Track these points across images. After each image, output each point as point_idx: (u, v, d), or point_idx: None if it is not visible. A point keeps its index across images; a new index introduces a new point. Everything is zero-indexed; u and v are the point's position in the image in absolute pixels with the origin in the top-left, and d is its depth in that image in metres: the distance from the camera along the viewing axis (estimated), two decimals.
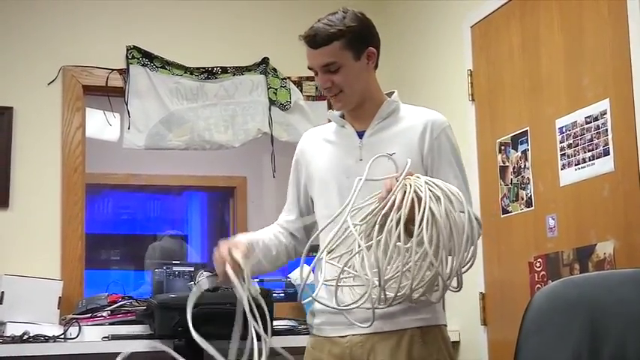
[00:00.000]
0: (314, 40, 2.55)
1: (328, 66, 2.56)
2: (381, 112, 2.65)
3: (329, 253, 2.30)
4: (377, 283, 2.20)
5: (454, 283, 2.31)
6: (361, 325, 2.36)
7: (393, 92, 2.73)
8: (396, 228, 2.19)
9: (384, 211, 2.23)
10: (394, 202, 2.22)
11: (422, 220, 2.17)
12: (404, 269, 2.20)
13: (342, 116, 2.72)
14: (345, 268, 2.27)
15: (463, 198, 2.28)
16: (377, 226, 2.24)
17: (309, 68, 2.63)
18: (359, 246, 2.22)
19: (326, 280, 2.31)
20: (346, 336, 2.56)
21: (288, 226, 2.82)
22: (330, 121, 2.79)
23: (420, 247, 2.18)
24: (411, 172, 2.29)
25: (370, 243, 2.22)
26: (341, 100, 2.62)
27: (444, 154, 2.60)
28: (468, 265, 2.29)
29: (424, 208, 2.18)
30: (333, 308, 2.36)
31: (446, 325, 2.64)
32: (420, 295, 2.27)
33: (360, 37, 2.58)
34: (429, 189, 2.23)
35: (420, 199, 2.20)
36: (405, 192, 2.22)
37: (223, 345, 3.37)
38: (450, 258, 2.22)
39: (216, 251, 2.53)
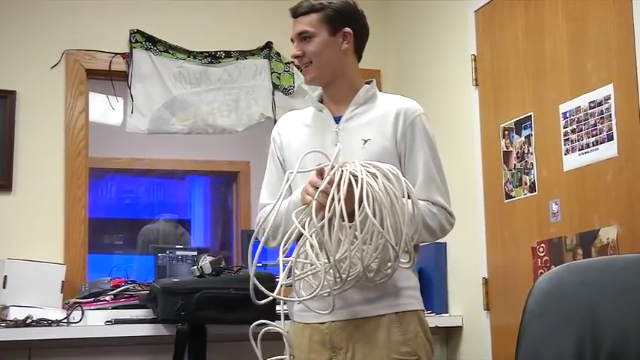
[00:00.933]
0: (296, 10, 2.73)
1: (302, 34, 2.69)
2: (357, 99, 2.73)
3: (283, 252, 2.40)
4: (328, 265, 2.29)
5: (405, 258, 2.43)
6: (323, 312, 2.45)
7: (372, 80, 2.80)
8: (338, 207, 2.29)
9: (321, 196, 2.33)
10: (332, 183, 2.33)
11: (361, 195, 2.28)
12: (352, 248, 2.29)
13: (321, 101, 2.79)
14: (299, 260, 2.37)
15: (402, 178, 2.39)
16: (325, 216, 2.33)
17: (291, 40, 2.75)
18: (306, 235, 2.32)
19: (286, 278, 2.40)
20: (326, 322, 2.60)
21: None
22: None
23: (364, 224, 2.27)
24: (346, 161, 2.39)
25: (314, 230, 2.31)
26: (310, 72, 2.72)
27: (417, 140, 2.66)
28: (414, 240, 2.42)
29: (361, 184, 2.29)
30: (295, 301, 2.50)
31: (423, 310, 2.70)
32: (374, 273, 2.38)
33: (338, 16, 2.70)
34: (366, 170, 2.34)
35: (357, 180, 2.31)
36: (343, 173, 2.34)
37: (226, 330, 3.39)
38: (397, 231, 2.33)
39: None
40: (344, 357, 2.59)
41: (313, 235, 2.32)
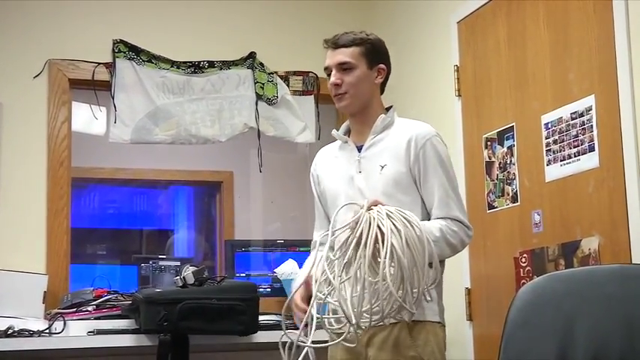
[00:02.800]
0: (337, 41, 2.90)
1: (343, 65, 2.87)
2: (375, 128, 2.92)
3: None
4: (353, 320, 2.43)
5: (428, 297, 2.60)
6: (349, 344, 2.57)
7: (391, 107, 2.99)
8: (364, 264, 2.43)
9: (352, 245, 2.45)
10: (360, 236, 2.45)
11: (385, 255, 2.41)
12: (373, 307, 2.44)
13: (347, 134, 3.00)
14: (329, 301, 2.50)
15: (418, 222, 2.53)
16: (348, 258, 2.46)
17: (325, 68, 2.93)
18: (338, 278, 2.46)
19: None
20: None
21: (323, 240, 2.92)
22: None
23: (385, 281, 2.41)
24: (376, 201, 2.54)
25: (346, 278, 2.46)
26: (344, 100, 2.90)
27: (429, 163, 2.84)
28: (433, 284, 2.58)
29: (387, 245, 2.41)
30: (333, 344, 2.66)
31: (440, 324, 2.86)
32: (395, 313, 2.52)
33: (376, 52, 2.93)
34: (391, 220, 2.47)
35: (382, 234, 2.43)
36: (370, 225, 2.46)
37: (209, 340, 3.38)
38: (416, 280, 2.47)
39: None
40: None
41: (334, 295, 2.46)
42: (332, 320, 2.55)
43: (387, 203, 2.59)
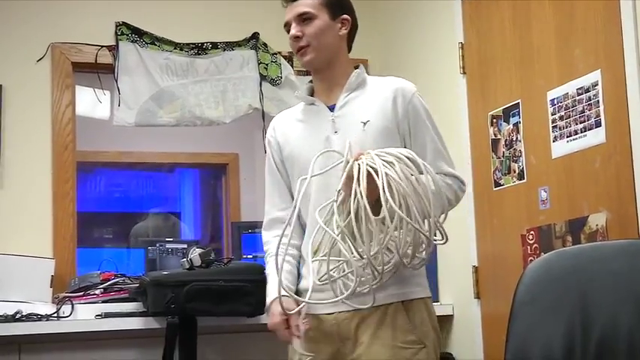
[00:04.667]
0: None
1: (303, 16, 2.67)
2: (349, 84, 2.72)
3: (314, 254, 2.40)
4: (364, 261, 2.28)
5: (438, 236, 2.44)
6: (363, 307, 2.46)
7: (359, 65, 2.79)
8: (362, 202, 2.27)
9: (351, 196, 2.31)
10: (354, 179, 2.31)
11: (384, 187, 2.26)
12: (384, 242, 2.29)
13: (311, 95, 2.79)
14: (333, 258, 2.36)
15: (416, 157, 2.39)
16: (351, 212, 2.32)
17: (285, 24, 2.73)
18: (337, 236, 2.31)
19: (319, 279, 2.41)
20: (332, 313, 2.61)
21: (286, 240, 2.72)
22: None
23: (392, 213, 2.27)
24: (360, 153, 2.38)
25: (344, 229, 2.31)
26: (307, 54, 2.70)
27: (419, 118, 2.68)
28: (443, 216, 2.46)
29: (382, 176, 2.28)
30: (335, 301, 2.44)
31: (430, 297, 2.71)
32: (410, 259, 2.38)
33: (338, 1, 2.73)
34: (382, 159, 2.33)
35: (376, 171, 2.30)
36: (360, 168, 2.32)
37: (217, 322, 3.39)
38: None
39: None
40: (351, 348, 2.60)
41: (341, 235, 2.32)
42: (340, 283, 2.40)
43: None
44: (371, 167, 2.32)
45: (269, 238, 2.81)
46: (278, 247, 2.54)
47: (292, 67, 4.75)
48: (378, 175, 2.30)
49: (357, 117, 2.66)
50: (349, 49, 2.80)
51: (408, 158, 2.37)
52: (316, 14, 2.67)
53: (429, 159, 2.61)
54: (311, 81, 2.85)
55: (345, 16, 2.73)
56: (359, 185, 2.30)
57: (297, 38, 2.69)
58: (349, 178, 2.35)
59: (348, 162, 2.37)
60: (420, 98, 2.71)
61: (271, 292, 2.63)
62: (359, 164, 2.34)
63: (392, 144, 2.57)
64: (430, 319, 2.64)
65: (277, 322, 2.57)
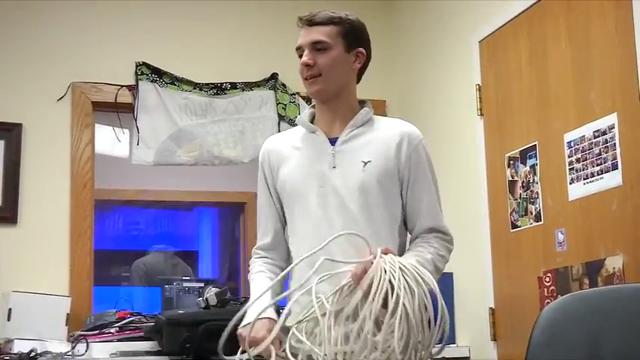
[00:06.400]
0: (313, 18, 2.58)
1: (317, 44, 2.55)
2: (355, 120, 2.61)
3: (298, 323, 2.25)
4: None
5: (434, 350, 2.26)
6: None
7: (366, 101, 2.69)
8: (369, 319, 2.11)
9: (358, 294, 2.16)
10: (369, 287, 2.15)
11: (393, 314, 2.12)
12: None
13: (312, 122, 2.67)
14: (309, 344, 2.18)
15: (434, 282, 2.24)
16: (349, 308, 2.17)
17: (297, 48, 2.61)
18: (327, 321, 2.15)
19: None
20: None
21: (268, 262, 2.74)
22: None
23: (388, 339, 2.11)
24: (387, 249, 2.26)
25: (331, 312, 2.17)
26: (316, 84, 2.57)
27: (421, 167, 2.59)
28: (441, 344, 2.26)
29: (401, 308, 2.12)
30: None
31: None
32: None
33: (356, 33, 2.60)
34: (405, 277, 2.17)
35: (392, 288, 2.14)
36: (381, 278, 2.16)
37: None
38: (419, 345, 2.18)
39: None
40: None
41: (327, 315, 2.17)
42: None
43: (364, 202, 2.46)
44: (390, 284, 2.15)
45: (253, 259, 2.79)
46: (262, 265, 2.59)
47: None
48: (393, 297, 2.12)
49: (359, 155, 2.56)
50: (358, 80, 2.70)
51: (428, 283, 2.21)
52: (332, 45, 2.55)
53: (424, 209, 2.57)
54: (313, 106, 2.72)
55: (360, 49, 2.61)
56: (372, 300, 2.12)
57: (308, 67, 2.56)
58: (364, 275, 2.19)
59: (372, 260, 2.21)
60: (425, 147, 2.62)
61: (258, 309, 2.41)
62: (380, 276, 2.15)
63: (390, 187, 2.54)
64: None
65: (261, 338, 2.39)
